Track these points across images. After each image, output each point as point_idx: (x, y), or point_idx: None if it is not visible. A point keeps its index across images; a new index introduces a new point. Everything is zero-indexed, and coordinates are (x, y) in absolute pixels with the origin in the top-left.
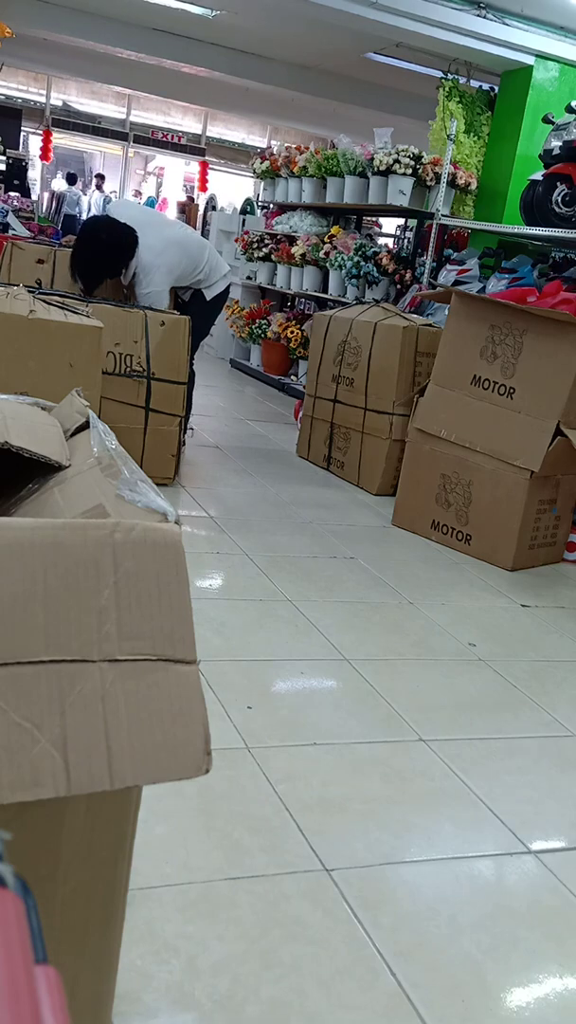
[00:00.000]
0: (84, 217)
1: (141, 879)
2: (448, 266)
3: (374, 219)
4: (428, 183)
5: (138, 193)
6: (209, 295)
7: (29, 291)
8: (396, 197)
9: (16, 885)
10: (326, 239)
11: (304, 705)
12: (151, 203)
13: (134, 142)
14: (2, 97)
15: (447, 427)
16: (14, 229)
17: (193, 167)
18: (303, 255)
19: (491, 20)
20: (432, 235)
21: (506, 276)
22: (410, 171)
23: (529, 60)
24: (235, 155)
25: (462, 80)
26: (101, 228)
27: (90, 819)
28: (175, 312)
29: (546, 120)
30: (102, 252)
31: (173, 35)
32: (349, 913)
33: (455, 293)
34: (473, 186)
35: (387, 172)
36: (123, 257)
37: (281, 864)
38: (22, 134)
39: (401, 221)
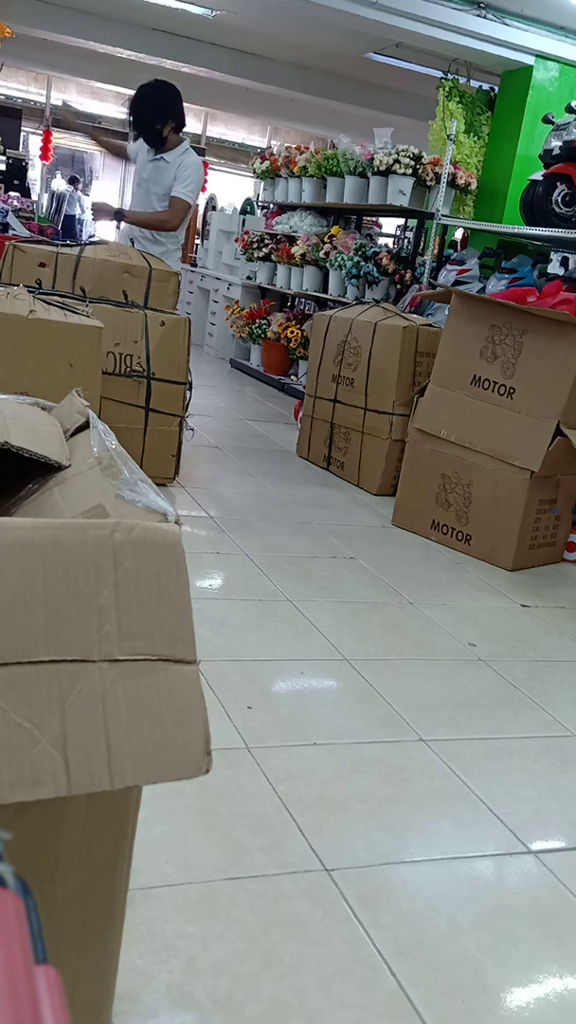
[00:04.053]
0: (84, 216)
1: (141, 879)
2: (448, 266)
3: (374, 219)
4: (428, 183)
5: None
6: None
7: (29, 291)
8: (396, 197)
9: (16, 885)
10: (326, 239)
11: (304, 705)
12: None
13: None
14: (2, 97)
15: (447, 427)
16: (14, 229)
17: None
18: (303, 255)
19: (491, 20)
20: (433, 236)
21: (506, 276)
22: (410, 171)
23: (529, 60)
24: (235, 155)
25: (462, 80)
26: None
27: (90, 819)
28: (175, 312)
29: (546, 120)
30: (158, 88)
31: (173, 35)
32: (349, 913)
33: (455, 293)
34: (473, 186)
35: (387, 172)
36: (175, 100)
37: (281, 864)
38: (22, 134)
39: (401, 221)
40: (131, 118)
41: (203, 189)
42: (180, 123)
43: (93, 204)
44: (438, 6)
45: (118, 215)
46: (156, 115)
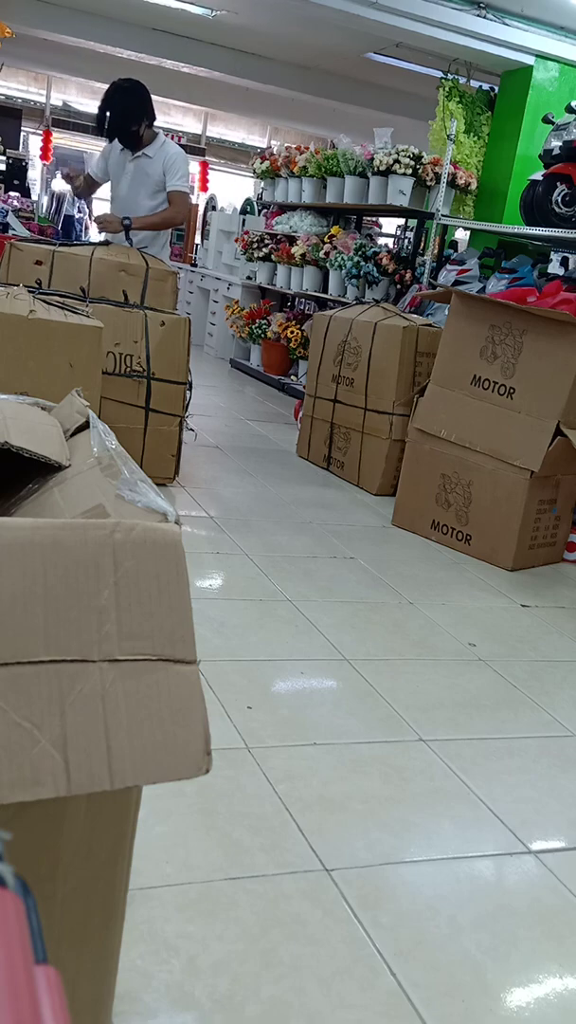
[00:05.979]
0: (84, 216)
1: (141, 879)
2: (448, 266)
3: (374, 219)
4: (428, 183)
5: None
6: None
7: (29, 291)
8: (396, 197)
9: (16, 885)
10: (326, 239)
11: (304, 705)
12: None
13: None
14: (2, 97)
15: (447, 427)
16: (14, 229)
17: (193, 167)
18: (303, 255)
19: (491, 20)
20: (433, 236)
21: (506, 276)
22: (410, 171)
23: (529, 60)
24: (235, 155)
25: (462, 80)
26: (120, 80)
27: (90, 819)
28: (175, 312)
29: (546, 120)
30: (128, 90)
31: (173, 35)
32: (349, 913)
33: (455, 293)
34: (473, 186)
35: (387, 172)
36: (147, 99)
37: (281, 864)
38: (22, 134)
39: (401, 221)
40: (106, 124)
41: (205, 189)
42: (152, 119)
43: (97, 218)
44: (438, 6)
45: (125, 225)
46: (132, 118)
